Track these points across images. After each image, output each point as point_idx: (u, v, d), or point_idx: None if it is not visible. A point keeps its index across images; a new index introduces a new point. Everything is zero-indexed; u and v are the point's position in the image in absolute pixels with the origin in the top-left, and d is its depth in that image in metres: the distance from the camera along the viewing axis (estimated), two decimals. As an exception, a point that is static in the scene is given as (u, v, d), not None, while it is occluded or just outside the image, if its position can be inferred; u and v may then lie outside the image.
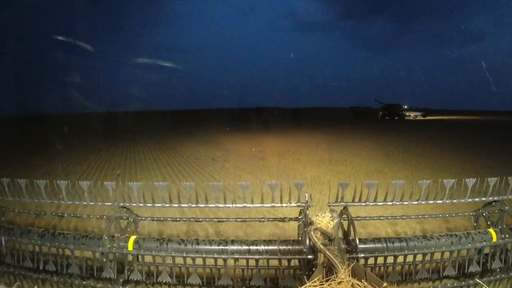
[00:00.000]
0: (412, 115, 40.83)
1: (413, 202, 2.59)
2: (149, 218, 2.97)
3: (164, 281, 2.48)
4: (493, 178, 2.57)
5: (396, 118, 39.00)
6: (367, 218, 3.06)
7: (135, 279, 2.50)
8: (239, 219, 2.90)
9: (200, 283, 2.46)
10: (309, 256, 2.36)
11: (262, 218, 2.97)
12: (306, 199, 2.52)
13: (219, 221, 2.98)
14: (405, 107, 42.37)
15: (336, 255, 2.09)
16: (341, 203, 2.59)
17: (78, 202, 2.66)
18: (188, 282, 2.45)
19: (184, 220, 3.10)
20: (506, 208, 2.56)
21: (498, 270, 2.54)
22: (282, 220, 2.89)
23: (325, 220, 2.47)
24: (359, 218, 2.82)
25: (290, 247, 2.47)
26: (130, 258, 2.56)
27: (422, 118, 40.15)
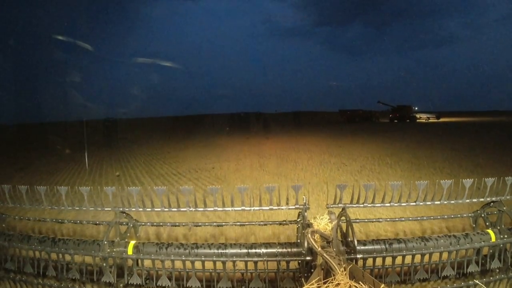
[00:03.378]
0: (424, 117, 38.02)
1: (411, 204, 2.60)
2: (148, 223, 2.98)
3: (163, 285, 2.48)
4: (490, 178, 2.57)
5: (407, 120, 36.25)
6: (366, 220, 3.06)
7: (134, 283, 2.50)
8: (238, 223, 2.91)
9: (200, 287, 2.46)
10: (307, 258, 2.36)
11: (261, 221, 2.98)
12: (304, 201, 2.54)
13: (218, 225, 2.98)
14: (416, 108, 39.52)
15: (334, 257, 2.09)
16: (340, 205, 2.60)
17: (78, 208, 2.68)
18: (187, 286, 2.46)
19: (183, 225, 3.11)
20: (504, 208, 2.56)
21: (497, 270, 2.53)
22: (281, 223, 2.90)
23: (323, 222, 2.48)
24: (357, 220, 2.82)
25: (288, 250, 2.47)
26: (130, 262, 2.57)
27: (436, 120, 37.60)
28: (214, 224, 2.92)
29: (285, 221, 2.87)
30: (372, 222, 2.99)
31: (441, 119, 38.36)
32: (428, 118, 38.34)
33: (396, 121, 37.12)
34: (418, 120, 37.10)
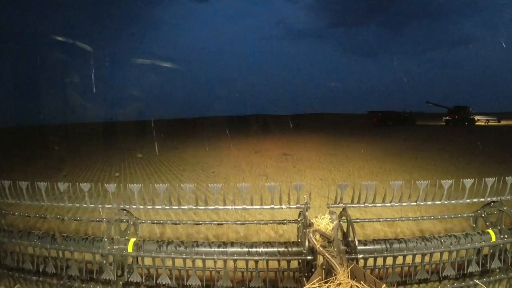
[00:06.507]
0: (483, 119, 33.74)
1: (412, 203, 2.60)
2: (149, 221, 2.98)
3: (163, 283, 2.48)
4: (490, 178, 2.58)
5: (466, 123, 31.67)
6: (366, 220, 3.06)
7: (134, 281, 2.50)
8: (238, 222, 2.90)
9: (200, 285, 2.46)
10: (308, 258, 2.36)
11: (261, 220, 2.98)
12: (305, 200, 2.54)
13: (218, 224, 2.98)
14: (472, 109, 34.22)
15: (335, 257, 2.10)
16: (340, 205, 2.60)
17: (78, 205, 2.67)
18: (187, 284, 2.45)
19: (183, 223, 3.11)
20: (505, 208, 2.57)
21: (498, 270, 2.54)
22: (282, 222, 2.90)
23: (324, 222, 2.48)
24: (358, 220, 2.82)
25: (289, 249, 2.47)
26: (130, 260, 2.56)
27: (497, 123, 33.37)
28: (215, 222, 2.92)
29: (285, 220, 2.87)
30: (373, 222, 2.99)
31: (502, 122, 33.83)
32: (488, 120, 34.07)
33: (451, 124, 32.35)
34: (477, 123, 32.66)
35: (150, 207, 2.64)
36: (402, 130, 26.03)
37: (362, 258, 2.39)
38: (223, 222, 2.99)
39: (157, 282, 2.51)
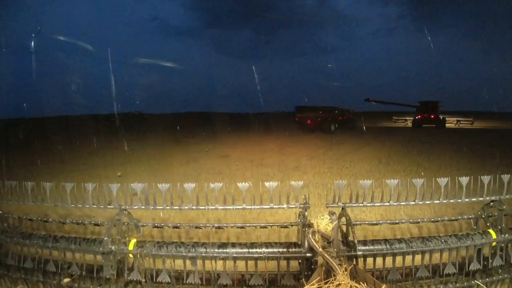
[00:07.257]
0: (452, 120, 26.30)
1: (411, 203, 2.61)
2: (149, 224, 2.99)
3: (163, 282, 2.48)
4: (486, 176, 2.59)
5: (434, 125, 24.19)
6: (366, 222, 3.07)
7: (134, 279, 2.50)
8: (238, 225, 2.92)
9: (199, 283, 2.46)
10: (308, 257, 2.36)
11: (261, 223, 2.99)
12: (304, 200, 2.56)
13: (218, 227, 2.99)
14: (441, 106, 25.96)
15: (335, 257, 2.11)
16: (339, 204, 2.62)
17: (81, 206, 2.71)
18: (187, 283, 2.45)
19: (184, 227, 3.13)
20: (504, 207, 2.57)
21: (500, 270, 2.52)
22: (282, 225, 2.91)
23: (324, 222, 2.50)
24: (358, 222, 2.83)
25: (289, 250, 2.48)
26: (130, 260, 2.57)
27: (470, 125, 26.02)
28: (215, 225, 2.93)
29: (286, 222, 2.88)
30: (373, 224, 2.99)
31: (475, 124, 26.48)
32: (459, 121, 26.49)
33: (422, 125, 24.54)
34: (447, 125, 25.18)
35: (152, 207, 2.67)
36: (352, 135, 18.04)
37: (362, 255, 2.39)
38: (223, 225, 3.00)
39: (157, 282, 2.51)
